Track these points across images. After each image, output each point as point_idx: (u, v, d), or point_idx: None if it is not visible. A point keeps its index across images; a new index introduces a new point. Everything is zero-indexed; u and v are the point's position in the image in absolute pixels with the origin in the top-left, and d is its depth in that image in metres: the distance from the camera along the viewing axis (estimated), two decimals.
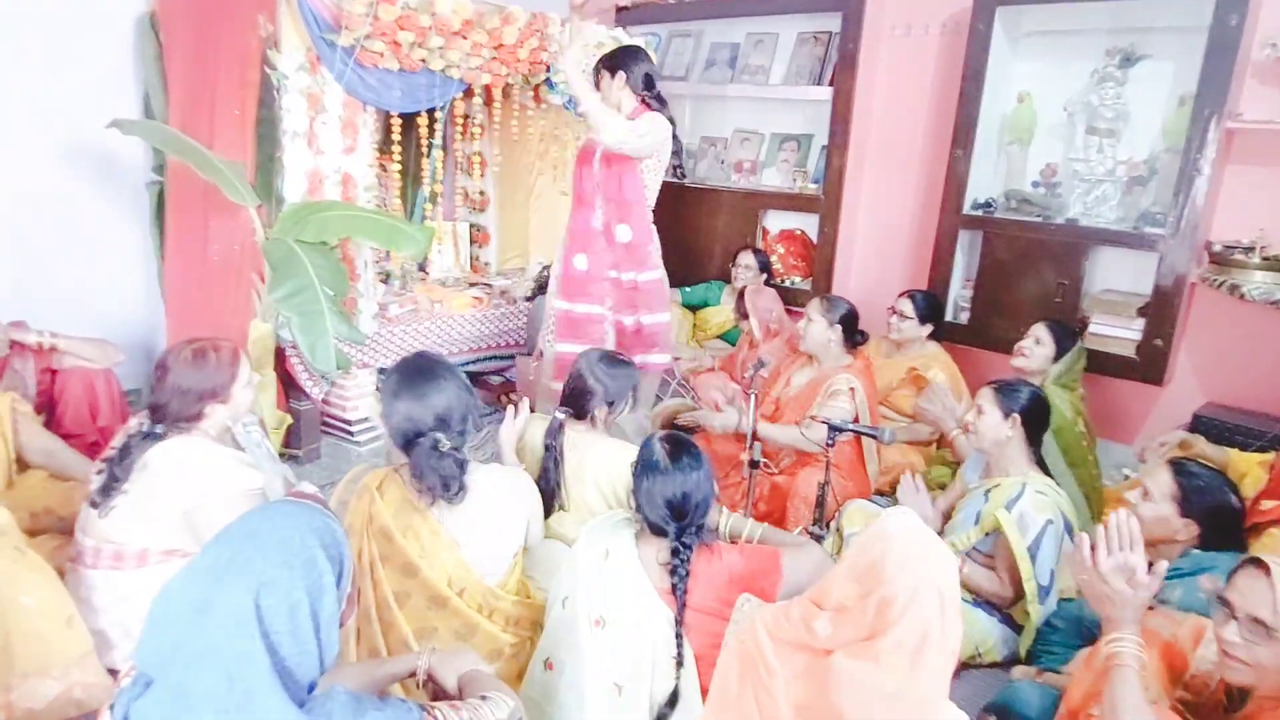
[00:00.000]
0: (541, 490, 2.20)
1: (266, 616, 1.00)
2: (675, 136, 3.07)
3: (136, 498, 1.88)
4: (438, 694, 1.40)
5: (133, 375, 3.25)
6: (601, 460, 2.22)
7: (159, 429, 1.91)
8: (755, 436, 2.58)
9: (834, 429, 2.40)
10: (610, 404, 2.30)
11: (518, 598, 1.92)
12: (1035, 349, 3.02)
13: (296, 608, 1.02)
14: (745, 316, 3.69)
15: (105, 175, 3.31)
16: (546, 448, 2.24)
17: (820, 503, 2.41)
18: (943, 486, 3.05)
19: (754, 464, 2.65)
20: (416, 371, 1.86)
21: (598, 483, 2.23)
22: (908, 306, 3.45)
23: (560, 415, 2.29)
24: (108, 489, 1.87)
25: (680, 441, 1.80)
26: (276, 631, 1.00)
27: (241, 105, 2.86)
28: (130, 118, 3.18)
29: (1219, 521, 1.99)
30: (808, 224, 4.38)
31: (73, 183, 3.23)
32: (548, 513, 2.23)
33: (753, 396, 2.63)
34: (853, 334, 2.97)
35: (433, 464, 1.77)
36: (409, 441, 1.82)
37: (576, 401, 2.31)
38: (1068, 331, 3.08)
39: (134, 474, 1.87)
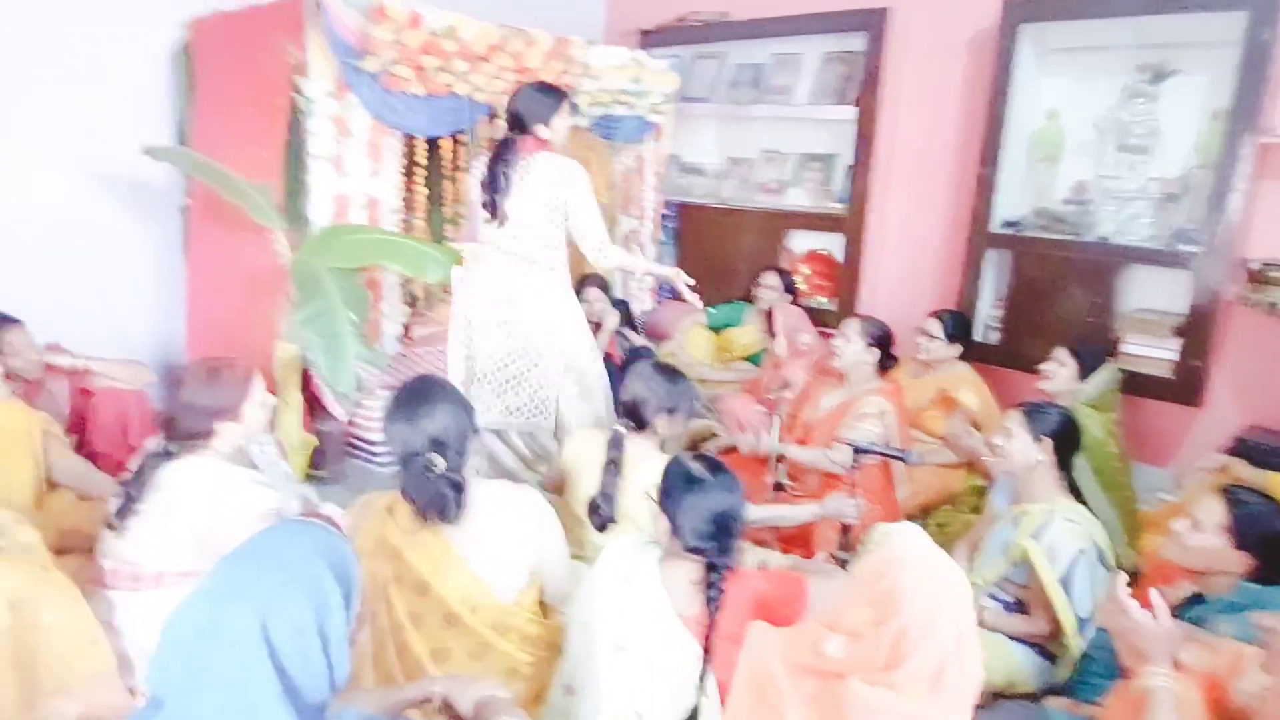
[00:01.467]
0: (598, 507, 2.20)
1: (274, 637, 0.99)
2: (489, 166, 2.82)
3: (152, 519, 1.89)
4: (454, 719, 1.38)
5: (163, 397, 3.31)
6: (653, 472, 2.21)
7: (172, 448, 1.93)
8: (780, 459, 2.55)
9: (859, 451, 2.37)
10: (670, 411, 2.33)
11: (533, 615, 1.90)
12: (1059, 370, 2.97)
13: (304, 628, 1.02)
14: (774, 335, 3.66)
15: (140, 201, 3.38)
16: (609, 461, 2.24)
17: (846, 527, 2.37)
18: (975, 510, 2.99)
19: (778, 486, 2.62)
20: (412, 394, 1.89)
21: (640, 489, 2.21)
22: (936, 327, 3.41)
23: (621, 429, 2.30)
24: (124, 510, 1.89)
25: (713, 461, 1.79)
26: (285, 653, 1.00)
27: (270, 130, 2.91)
28: (164, 144, 3.25)
29: (1275, 553, 1.87)
30: (833, 244, 4.35)
31: (108, 208, 3.31)
32: (601, 528, 2.22)
33: (776, 419, 2.60)
34: (887, 357, 2.94)
35: (422, 485, 1.79)
36: (405, 463, 1.84)
37: (635, 412, 2.33)
38: (1091, 351, 3.02)
39: (149, 495, 1.89)
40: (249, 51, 3.00)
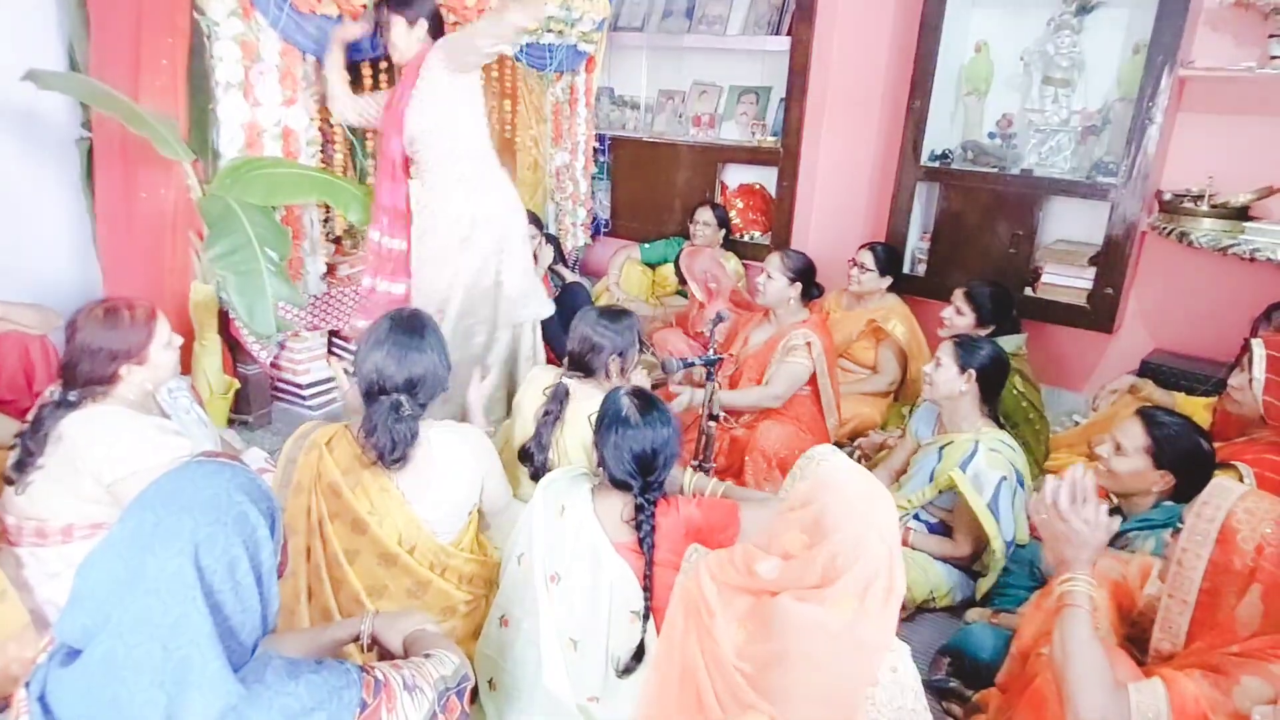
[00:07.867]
0: (531, 455, 2.15)
1: (207, 576, 0.97)
2: None
3: (54, 472, 1.79)
4: (384, 656, 1.37)
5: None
6: (586, 415, 2.18)
7: (71, 396, 1.82)
8: (714, 399, 2.56)
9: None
10: (620, 355, 2.28)
11: (471, 555, 1.89)
12: (956, 318, 3.04)
13: (236, 563, 1.00)
14: (684, 282, 3.68)
15: (30, 133, 3.13)
16: (546, 412, 2.18)
17: (708, 440, 2.49)
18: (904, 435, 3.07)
19: (713, 418, 2.63)
20: (404, 328, 1.83)
21: (583, 438, 2.18)
22: (868, 258, 3.45)
23: (567, 381, 2.24)
24: (22, 464, 1.78)
25: (649, 397, 1.79)
26: (219, 590, 0.98)
27: (170, 55, 2.71)
28: (53, 70, 3.00)
29: (1193, 468, 1.94)
30: (767, 178, 4.34)
31: None
32: (535, 477, 2.18)
33: (712, 385, 2.59)
34: (810, 288, 2.96)
35: (389, 424, 1.74)
36: (371, 395, 1.78)
37: (585, 361, 2.28)
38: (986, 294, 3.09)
39: (49, 447, 1.78)
40: None
